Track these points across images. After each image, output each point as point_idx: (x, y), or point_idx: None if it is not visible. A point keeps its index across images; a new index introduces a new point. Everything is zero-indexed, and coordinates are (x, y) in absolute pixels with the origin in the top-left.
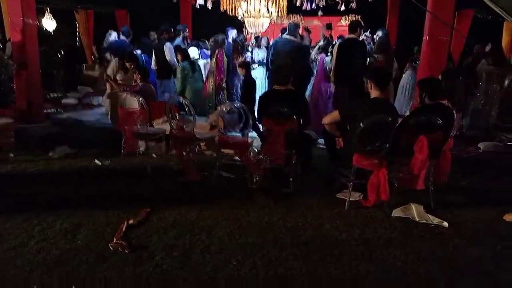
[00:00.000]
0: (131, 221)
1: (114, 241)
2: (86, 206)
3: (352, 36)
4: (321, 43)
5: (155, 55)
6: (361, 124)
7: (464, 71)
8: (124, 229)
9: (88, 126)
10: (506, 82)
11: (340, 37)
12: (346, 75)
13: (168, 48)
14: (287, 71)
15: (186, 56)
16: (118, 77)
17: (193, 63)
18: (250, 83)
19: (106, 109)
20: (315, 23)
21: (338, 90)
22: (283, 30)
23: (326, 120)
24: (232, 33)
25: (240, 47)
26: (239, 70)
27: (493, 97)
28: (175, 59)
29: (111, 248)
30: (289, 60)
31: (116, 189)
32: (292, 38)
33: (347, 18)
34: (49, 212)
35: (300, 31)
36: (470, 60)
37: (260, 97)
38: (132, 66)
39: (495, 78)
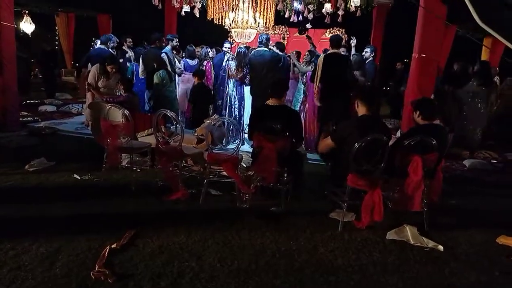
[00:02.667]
0: (114, 246)
1: (97, 268)
2: (66, 227)
3: (335, 50)
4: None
5: (144, 64)
6: (356, 144)
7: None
8: (107, 255)
9: (67, 137)
10: (492, 100)
11: (327, 51)
12: (334, 89)
13: (166, 55)
14: (281, 85)
15: (163, 64)
16: (100, 83)
17: (170, 73)
18: (200, 88)
19: (86, 119)
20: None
21: (325, 104)
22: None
23: (320, 148)
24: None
25: (243, 60)
26: (194, 78)
27: (479, 116)
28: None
29: (93, 277)
30: (269, 70)
31: (97, 208)
32: (266, 49)
33: (332, 32)
34: (25, 234)
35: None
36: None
37: (253, 112)
38: (114, 70)
39: (481, 97)
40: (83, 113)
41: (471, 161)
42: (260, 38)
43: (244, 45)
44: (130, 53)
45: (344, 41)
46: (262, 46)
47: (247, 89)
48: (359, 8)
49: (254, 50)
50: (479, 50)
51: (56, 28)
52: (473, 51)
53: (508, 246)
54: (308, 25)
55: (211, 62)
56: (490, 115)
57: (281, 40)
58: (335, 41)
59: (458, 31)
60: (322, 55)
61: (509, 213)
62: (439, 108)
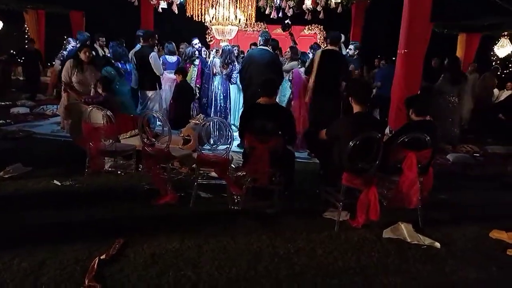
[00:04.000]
0: (103, 257)
1: (86, 283)
2: (49, 238)
3: (333, 48)
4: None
5: (138, 63)
6: (350, 143)
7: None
8: (96, 267)
9: (43, 140)
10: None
11: (313, 47)
12: (327, 86)
13: (153, 58)
14: (273, 84)
15: (108, 61)
16: (74, 78)
17: (118, 68)
18: (183, 88)
19: (61, 121)
20: (279, 31)
21: (317, 101)
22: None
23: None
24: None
25: (228, 57)
26: (176, 76)
27: (453, 110)
28: (162, 69)
29: None
30: (270, 72)
31: (82, 216)
32: (268, 49)
33: (310, 28)
34: (4, 248)
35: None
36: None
37: (243, 111)
38: (88, 55)
39: (454, 91)
40: (58, 112)
41: (454, 155)
42: (264, 36)
43: (231, 44)
44: (101, 53)
45: (323, 37)
46: (265, 46)
47: (233, 87)
48: (339, 4)
49: (255, 49)
50: (454, 46)
51: (25, 26)
52: (449, 49)
53: (502, 240)
54: (287, 21)
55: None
56: (466, 108)
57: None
58: (333, 38)
59: (435, 29)
60: (319, 50)
61: (496, 206)
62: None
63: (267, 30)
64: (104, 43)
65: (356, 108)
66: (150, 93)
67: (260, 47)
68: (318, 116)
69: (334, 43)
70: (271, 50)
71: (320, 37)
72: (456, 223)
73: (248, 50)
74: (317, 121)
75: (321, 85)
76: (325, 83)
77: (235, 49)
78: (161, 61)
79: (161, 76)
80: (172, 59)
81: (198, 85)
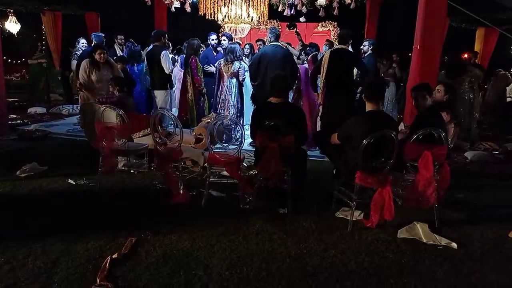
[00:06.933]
0: (115, 256)
1: (98, 282)
2: (62, 237)
3: (342, 47)
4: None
5: (148, 64)
6: (364, 141)
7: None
8: (108, 266)
9: (59, 139)
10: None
11: (312, 44)
12: (338, 86)
13: (165, 56)
14: (283, 82)
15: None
16: (93, 77)
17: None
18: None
19: (79, 121)
20: (292, 29)
21: (330, 102)
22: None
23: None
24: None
25: (232, 55)
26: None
27: (471, 106)
28: (171, 67)
29: None
30: (284, 68)
31: (95, 215)
32: (280, 44)
33: (324, 25)
34: (19, 246)
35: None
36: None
37: (254, 110)
38: (102, 56)
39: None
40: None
41: (472, 153)
42: (274, 32)
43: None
44: (119, 52)
45: (336, 34)
46: (276, 42)
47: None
48: (353, 0)
49: (268, 45)
50: (472, 41)
51: (43, 27)
52: (467, 43)
53: None
54: (302, 19)
55: (196, 58)
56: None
57: None
58: (341, 37)
59: (452, 24)
60: (328, 51)
61: None
62: (448, 100)
63: (275, 26)
64: (123, 41)
65: (368, 106)
66: (161, 93)
67: (272, 43)
68: (332, 117)
69: (343, 42)
70: (283, 46)
71: (334, 34)
72: (474, 223)
73: (258, 48)
74: (330, 122)
75: (332, 85)
76: (336, 84)
77: (246, 47)
78: (179, 60)
79: (172, 74)
80: None
81: (199, 84)
